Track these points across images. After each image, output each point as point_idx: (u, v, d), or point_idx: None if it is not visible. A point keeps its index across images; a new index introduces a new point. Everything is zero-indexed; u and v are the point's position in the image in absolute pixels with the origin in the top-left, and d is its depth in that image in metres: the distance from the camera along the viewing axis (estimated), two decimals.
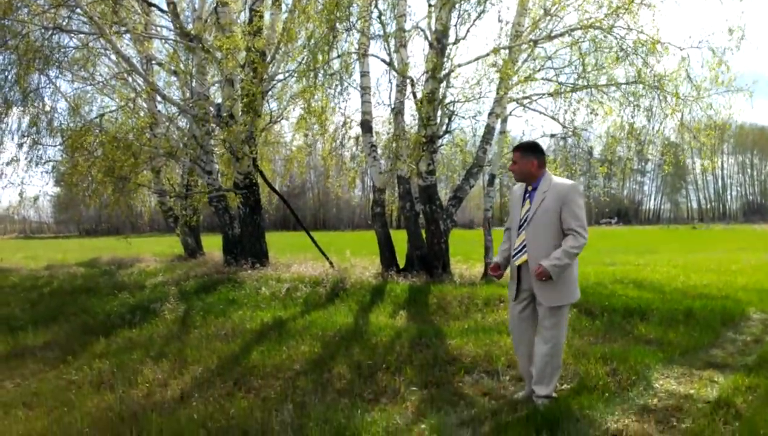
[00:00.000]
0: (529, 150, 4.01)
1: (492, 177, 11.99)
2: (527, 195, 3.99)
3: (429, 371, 4.74)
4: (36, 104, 13.43)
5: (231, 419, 3.64)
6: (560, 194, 3.82)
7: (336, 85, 11.29)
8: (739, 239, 30.52)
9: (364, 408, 3.87)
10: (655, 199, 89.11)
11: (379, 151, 11.99)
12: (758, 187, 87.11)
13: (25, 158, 12.91)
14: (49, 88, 13.67)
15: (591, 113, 11.41)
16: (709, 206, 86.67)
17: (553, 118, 11.98)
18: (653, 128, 11.60)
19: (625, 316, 6.77)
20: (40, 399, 4.26)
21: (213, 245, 18.36)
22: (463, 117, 11.90)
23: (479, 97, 10.42)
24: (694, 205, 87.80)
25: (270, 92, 13.49)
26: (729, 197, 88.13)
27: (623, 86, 10.83)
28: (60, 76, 13.80)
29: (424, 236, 10.84)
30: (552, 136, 14.02)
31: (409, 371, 4.73)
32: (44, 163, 13.54)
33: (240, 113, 11.91)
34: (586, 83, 10.90)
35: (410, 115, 11.63)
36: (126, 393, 4.31)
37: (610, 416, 3.65)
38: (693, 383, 4.34)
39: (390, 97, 11.40)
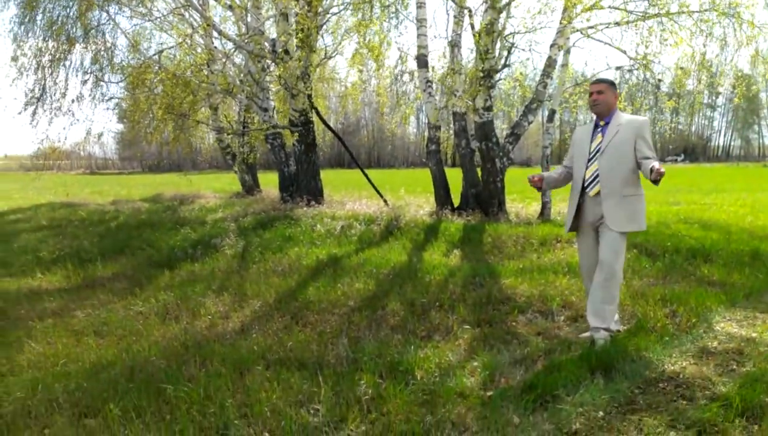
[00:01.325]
0: (614, 85, 4.12)
1: (552, 112, 11.56)
2: (599, 130, 4.08)
3: (482, 310, 4.76)
4: (97, 41, 13.69)
5: (289, 351, 3.79)
6: (636, 127, 3.95)
7: (391, 18, 11.01)
8: None
9: (417, 345, 3.95)
10: (724, 136, 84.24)
11: (435, 86, 11.71)
12: None
13: (89, 95, 13.24)
14: (110, 24, 13.87)
15: (662, 43, 10.70)
16: None
17: (619, 49, 11.32)
18: (726, 59, 10.80)
19: (687, 257, 6.54)
20: (109, 328, 4.52)
21: (270, 183, 18.77)
22: (524, 49, 11.37)
23: (541, 28, 9.93)
24: (767, 141, 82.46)
25: (324, 27, 13.28)
26: None
27: (696, 14, 10.05)
28: (119, 12, 13.94)
29: (479, 174, 10.67)
30: (618, 68, 13.30)
31: (462, 310, 4.77)
32: (107, 100, 13.90)
33: (295, 49, 11.81)
34: (656, 11, 10.17)
35: (467, 49, 11.25)
36: (190, 324, 4.54)
37: (667, 357, 3.59)
38: (756, 327, 4.20)
39: (447, 30, 11.05)
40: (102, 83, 13.40)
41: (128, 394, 3.12)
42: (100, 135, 17.33)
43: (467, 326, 4.40)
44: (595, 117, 4.13)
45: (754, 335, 4.03)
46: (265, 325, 4.45)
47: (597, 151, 4.01)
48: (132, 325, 4.54)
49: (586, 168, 4.05)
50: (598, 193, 3.98)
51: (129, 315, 4.86)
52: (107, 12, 13.34)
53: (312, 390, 3.14)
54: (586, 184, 4.04)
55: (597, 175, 3.98)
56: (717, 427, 2.75)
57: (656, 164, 3.67)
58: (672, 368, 3.45)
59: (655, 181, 3.62)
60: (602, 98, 4.02)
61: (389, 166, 66.10)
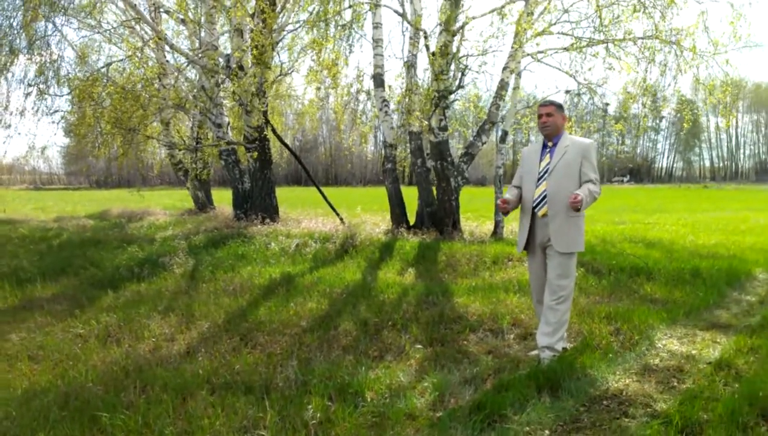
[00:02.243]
0: (562, 107, 4.25)
1: (505, 133, 11.81)
2: (547, 150, 4.17)
3: (434, 329, 4.78)
4: (43, 53, 13.25)
5: (236, 375, 3.69)
6: (581, 149, 4.08)
7: (347, 37, 11.07)
8: (750, 198, 30.16)
9: (368, 365, 3.91)
10: (668, 158, 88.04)
11: (392, 106, 11.82)
12: None
13: (32, 108, 12.78)
14: (56, 35, 13.47)
15: (608, 69, 11.13)
16: (721, 165, 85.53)
17: (568, 73, 11.71)
18: (667, 84, 11.32)
19: (631, 275, 6.75)
20: (45, 352, 4.31)
21: (224, 200, 18.45)
22: (477, 72, 11.62)
23: (493, 51, 10.18)
24: (707, 163, 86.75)
25: (280, 44, 13.24)
26: (742, 156, 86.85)
27: (639, 41, 10.52)
28: (67, 23, 13.58)
29: (435, 192, 10.78)
30: (567, 92, 13.74)
31: (415, 329, 4.77)
32: (52, 113, 13.42)
33: (250, 65, 11.72)
34: (602, 37, 10.58)
35: (423, 70, 11.38)
36: (132, 347, 4.38)
37: (611, 375, 3.67)
38: (695, 344, 4.35)
39: (402, 51, 11.18)
40: (47, 96, 12.97)
41: (61, 423, 2.98)
42: (44, 149, 16.71)
43: (419, 346, 4.39)
44: (543, 138, 4.22)
45: (693, 351, 4.17)
46: (213, 347, 4.33)
47: (545, 172, 4.10)
48: (70, 349, 4.34)
49: (536, 187, 4.13)
50: (546, 214, 4.06)
51: (67, 338, 4.66)
52: (53, 23, 12.97)
53: (258, 415, 3.06)
54: (535, 205, 4.13)
55: (545, 196, 4.06)
56: None
57: (579, 191, 3.83)
58: (616, 385, 3.53)
59: (575, 209, 3.80)
60: (551, 120, 4.13)
61: (347, 184, 66.09)
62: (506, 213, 4.29)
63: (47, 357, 4.21)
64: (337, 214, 12.30)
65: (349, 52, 10.87)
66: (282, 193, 15.54)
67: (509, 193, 4.35)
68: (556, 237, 4.01)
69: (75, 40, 14.64)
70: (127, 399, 3.32)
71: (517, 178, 4.40)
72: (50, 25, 12.82)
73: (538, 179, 4.12)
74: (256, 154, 12.05)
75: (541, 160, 4.16)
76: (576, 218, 4.02)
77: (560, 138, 4.14)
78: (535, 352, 4.11)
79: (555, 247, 4.01)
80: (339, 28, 10.96)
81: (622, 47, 10.85)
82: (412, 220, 11.17)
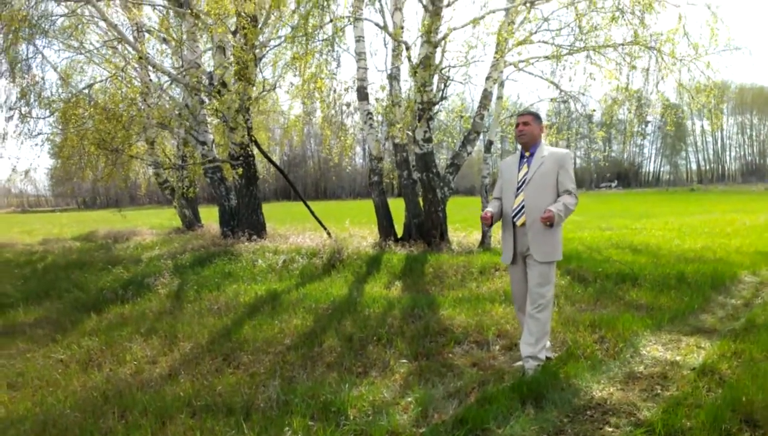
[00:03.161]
0: (539, 117, 4.27)
1: (489, 143, 11.86)
2: (524, 160, 4.19)
3: (419, 343, 4.75)
4: (25, 75, 13.19)
5: (217, 396, 3.64)
6: (558, 159, 4.09)
7: (329, 51, 11.10)
8: (736, 200, 30.47)
9: (353, 382, 3.88)
10: (655, 162, 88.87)
11: (378, 118, 11.85)
12: (757, 148, 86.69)
13: (15, 132, 12.70)
14: (38, 57, 13.43)
15: (589, 77, 11.25)
16: (708, 168, 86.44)
17: (550, 81, 11.82)
18: (649, 90, 11.44)
19: (617, 282, 6.76)
20: (25, 379, 4.24)
21: (212, 217, 18.36)
22: (460, 82, 11.72)
23: (475, 61, 10.25)
24: (693, 166, 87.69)
25: (263, 60, 13.26)
26: (728, 159, 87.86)
27: (620, 47, 10.63)
28: (48, 45, 13.57)
29: (421, 204, 10.79)
30: (552, 100, 13.85)
31: (400, 343, 4.73)
32: (35, 136, 13.35)
33: (232, 81, 11.72)
34: (582, 45, 10.69)
35: (406, 81, 11.43)
36: (114, 371, 4.31)
37: (595, 384, 3.66)
38: (680, 350, 4.34)
39: (386, 63, 11.23)
40: (29, 119, 12.89)
41: None
42: (27, 172, 16.56)
43: (404, 360, 4.36)
44: (520, 147, 4.24)
45: (678, 358, 4.16)
46: (195, 368, 4.27)
47: (523, 183, 4.11)
48: (50, 375, 4.27)
49: (514, 198, 4.14)
50: (524, 224, 4.07)
51: (48, 364, 4.59)
52: (35, 45, 12.93)
53: None
54: (513, 215, 4.14)
55: (523, 206, 4.08)
56: None
57: (554, 205, 3.88)
58: (600, 394, 3.51)
59: (548, 225, 3.86)
60: (528, 130, 4.14)
61: (336, 198, 66.14)
62: (490, 226, 4.32)
63: (26, 384, 4.14)
64: (325, 229, 12.27)
65: (338, 66, 10.91)
66: (271, 208, 15.53)
67: (491, 206, 4.34)
68: (534, 247, 4.03)
69: (57, 62, 14.59)
70: (105, 425, 3.26)
71: (498, 189, 4.42)
72: (31, 48, 12.80)
73: (517, 190, 4.14)
74: (241, 170, 12.02)
75: (519, 171, 4.17)
76: (554, 229, 4.03)
77: (537, 148, 4.15)
78: (519, 363, 4.09)
79: (534, 256, 4.02)
80: (321, 42, 11.00)
81: (603, 54, 10.96)
82: (399, 232, 11.16)
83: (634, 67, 10.97)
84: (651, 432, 2.94)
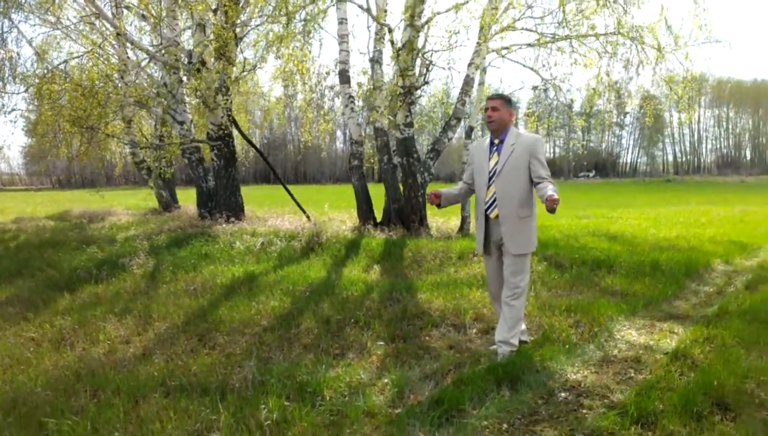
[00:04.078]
0: (509, 101, 4.08)
1: (470, 129, 11.87)
2: (494, 148, 4.05)
3: (397, 326, 4.75)
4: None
5: (192, 376, 3.60)
6: (528, 146, 3.94)
7: (311, 33, 10.97)
8: (711, 192, 31.05)
9: (329, 363, 3.86)
10: (632, 153, 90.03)
11: (360, 102, 11.75)
12: (733, 141, 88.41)
13: None
14: (13, 32, 13.06)
15: (572, 64, 11.30)
16: (684, 160, 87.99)
17: (533, 69, 11.84)
18: (629, 80, 11.54)
19: (593, 268, 6.84)
20: None
21: (189, 199, 18.13)
22: (443, 68, 11.68)
23: (458, 46, 10.22)
24: (670, 158, 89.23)
25: (245, 40, 13.04)
26: (704, 151, 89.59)
27: (602, 37, 10.68)
28: (24, 20, 13.18)
29: (401, 189, 10.77)
30: (534, 88, 13.89)
31: (378, 326, 4.73)
32: (9, 112, 13.00)
33: (212, 61, 11.51)
34: (565, 33, 10.72)
35: (388, 65, 11.35)
36: (86, 351, 4.24)
37: (570, 367, 3.70)
38: (653, 335, 4.41)
39: (368, 47, 11.12)
40: (3, 94, 12.55)
41: (5, 430, 2.86)
42: (0, 149, 16.19)
43: (381, 343, 4.36)
44: (490, 134, 4.12)
45: (651, 342, 4.23)
46: (170, 349, 4.22)
47: (494, 174, 4.00)
48: (21, 353, 4.18)
49: (487, 189, 4.04)
50: (497, 216, 4.00)
51: (19, 342, 4.48)
52: (10, 19, 12.56)
53: (211, 417, 2.98)
54: (486, 207, 4.06)
55: (495, 199, 3.99)
56: (614, 434, 2.84)
57: (551, 191, 3.69)
58: (574, 377, 3.56)
59: (550, 211, 3.64)
60: (497, 115, 3.97)
61: (316, 182, 65.83)
62: (439, 206, 4.16)
63: None
64: (304, 212, 12.20)
65: (320, 47, 10.75)
66: (251, 191, 15.39)
67: (451, 189, 4.26)
68: (508, 239, 3.96)
69: (33, 37, 14.18)
70: (77, 404, 3.20)
71: (468, 174, 4.32)
72: (7, 22, 12.42)
73: (489, 180, 4.02)
74: (218, 151, 11.85)
75: (489, 159, 4.04)
76: (527, 219, 3.97)
77: (506, 134, 4.00)
78: (494, 346, 4.11)
79: (510, 250, 3.96)
80: (302, 22, 10.87)
81: (585, 43, 11.01)
82: (379, 217, 11.14)
83: (615, 54, 11.03)
84: (624, 414, 2.98)
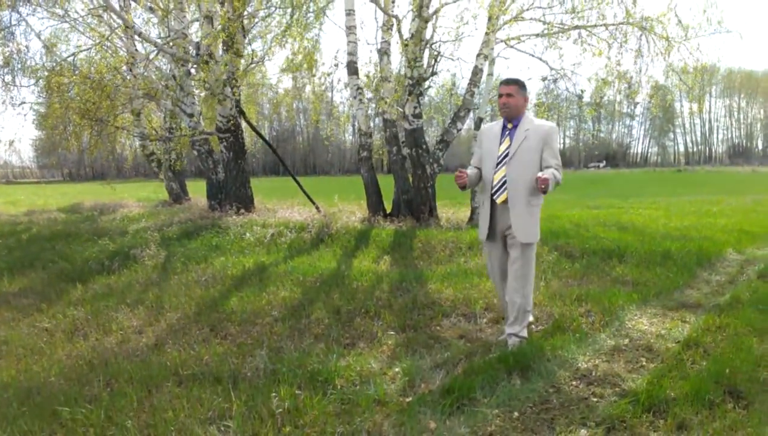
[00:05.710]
0: (524, 86, 4.02)
1: (479, 120, 11.80)
2: (506, 132, 4.00)
3: (407, 315, 4.75)
4: (8, 43, 12.90)
5: (204, 366, 3.63)
6: (543, 133, 3.90)
7: (317, 25, 10.93)
8: (723, 181, 30.74)
9: (340, 353, 3.88)
10: (643, 143, 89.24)
11: (368, 94, 11.71)
12: (744, 131, 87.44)
13: None
14: (21, 25, 13.13)
15: (582, 52, 11.19)
16: (695, 150, 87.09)
17: (541, 60, 11.75)
18: (640, 70, 11.41)
19: (604, 258, 6.80)
20: (9, 347, 4.20)
21: (199, 191, 18.18)
22: (451, 58, 11.60)
23: (466, 37, 10.16)
24: (681, 148, 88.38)
25: (253, 32, 13.02)
26: (715, 141, 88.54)
27: (611, 27, 10.57)
28: (32, 13, 13.23)
29: (411, 180, 10.75)
30: (544, 79, 13.78)
31: (388, 316, 4.74)
32: (19, 105, 13.09)
33: (220, 53, 11.51)
34: (574, 23, 10.61)
35: (397, 56, 11.32)
36: (99, 341, 4.28)
37: (581, 356, 3.69)
38: (665, 324, 4.39)
39: (376, 38, 11.08)
40: (13, 87, 12.64)
41: (20, 419, 2.89)
42: (11, 142, 16.31)
43: (392, 332, 4.37)
44: (503, 118, 4.05)
45: (663, 331, 4.21)
46: (182, 338, 4.25)
47: (505, 156, 3.94)
48: (35, 343, 4.23)
49: (495, 173, 3.99)
50: (505, 201, 3.94)
51: (33, 333, 4.54)
52: (18, 12, 12.62)
53: (224, 406, 3.01)
54: (493, 191, 3.99)
55: (504, 182, 3.93)
56: (625, 423, 2.84)
57: (542, 173, 3.65)
58: (585, 366, 3.55)
59: (542, 191, 3.63)
60: (512, 101, 3.92)
61: (325, 174, 65.82)
62: (463, 186, 4.04)
63: (11, 352, 4.10)
64: (314, 203, 12.21)
65: (320, 38, 10.72)
66: (260, 183, 15.40)
67: (469, 170, 4.16)
68: (517, 227, 3.90)
69: (41, 30, 14.26)
70: (90, 393, 3.24)
71: (476, 158, 4.22)
72: (15, 15, 12.49)
73: (497, 164, 3.96)
74: (227, 143, 11.87)
75: (501, 143, 3.98)
76: (535, 207, 3.92)
77: (520, 120, 3.95)
78: (504, 336, 4.11)
79: (519, 237, 3.89)
80: (310, 13, 10.84)
81: (594, 33, 10.89)
82: (388, 208, 11.13)
83: (626, 42, 10.91)
84: (635, 403, 2.97)
